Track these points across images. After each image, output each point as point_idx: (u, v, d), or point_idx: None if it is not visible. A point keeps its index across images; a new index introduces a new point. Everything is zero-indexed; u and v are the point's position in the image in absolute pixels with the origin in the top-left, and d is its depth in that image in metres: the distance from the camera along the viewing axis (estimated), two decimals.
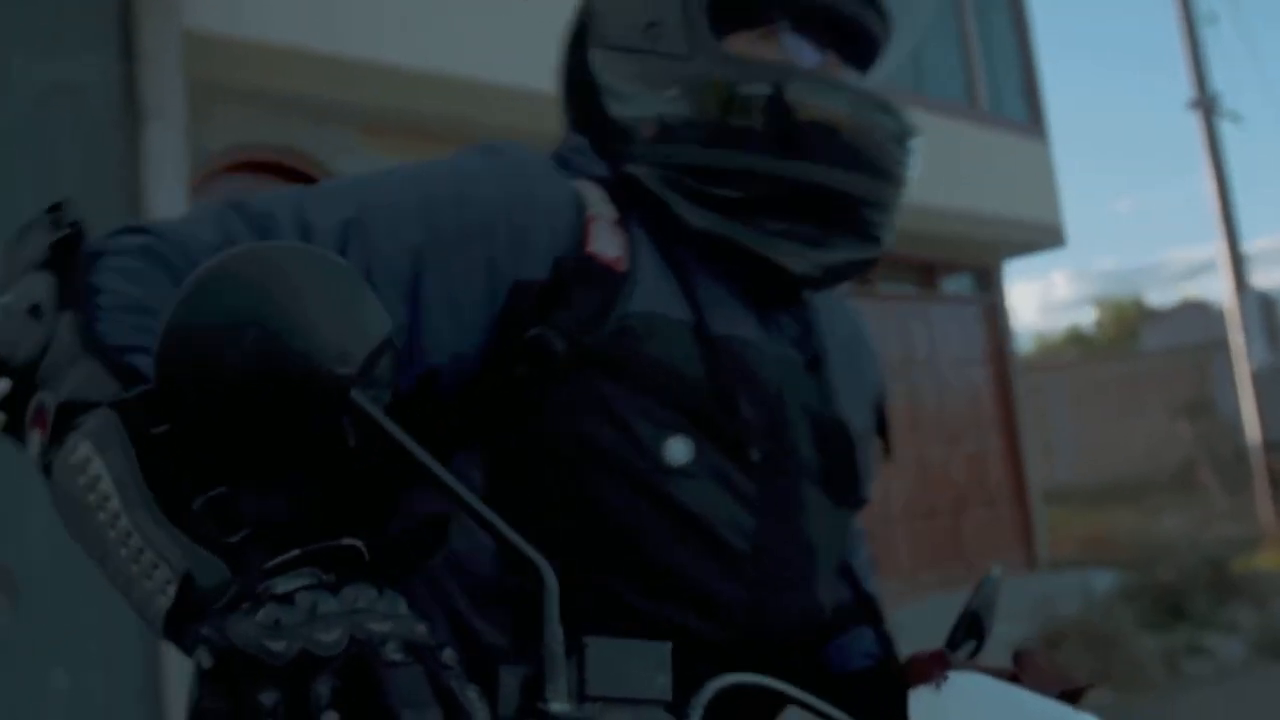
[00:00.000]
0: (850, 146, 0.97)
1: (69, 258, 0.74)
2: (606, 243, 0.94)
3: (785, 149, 0.95)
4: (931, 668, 0.86)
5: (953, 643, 1.02)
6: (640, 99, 1.00)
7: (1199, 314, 36.38)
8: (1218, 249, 11.18)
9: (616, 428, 0.87)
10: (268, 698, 0.55)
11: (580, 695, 0.66)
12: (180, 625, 0.59)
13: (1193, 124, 11.27)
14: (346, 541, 0.62)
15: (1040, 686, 0.87)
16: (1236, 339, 10.94)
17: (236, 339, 0.60)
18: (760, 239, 0.96)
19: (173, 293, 0.64)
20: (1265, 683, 6.08)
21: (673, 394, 0.90)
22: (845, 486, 1.02)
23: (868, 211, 0.99)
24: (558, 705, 0.64)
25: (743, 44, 0.99)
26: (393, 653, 0.58)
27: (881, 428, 1.12)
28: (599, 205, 0.97)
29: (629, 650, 0.69)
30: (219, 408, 0.60)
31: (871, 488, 1.09)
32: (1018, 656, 0.91)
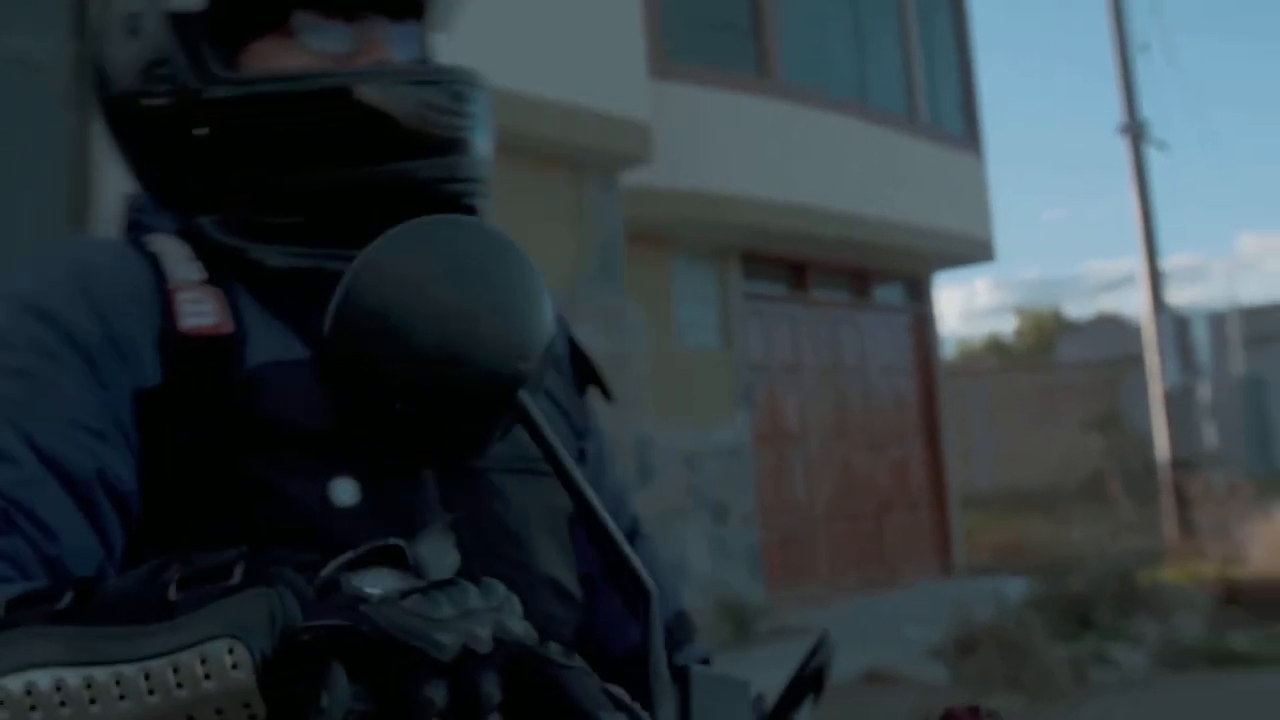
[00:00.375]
0: (408, 132, 0.87)
1: None
2: (198, 312, 0.86)
3: (338, 158, 0.87)
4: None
5: (790, 698, 1.00)
6: (167, 147, 0.91)
7: (1114, 328, 37.39)
8: (1139, 270, 11.54)
9: (277, 499, 0.81)
10: (436, 693, 0.51)
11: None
12: (273, 674, 0.52)
13: (1120, 147, 11.62)
14: (392, 541, 0.57)
15: None
16: (1152, 359, 11.30)
17: (433, 303, 0.57)
18: (343, 259, 0.79)
19: None
20: (1166, 693, 6.35)
21: (316, 439, 0.82)
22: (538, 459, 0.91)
23: (452, 187, 0.90)
24: None
25: (261, 56, 0.90)
26: (557, 654, 0.56)
27: (585, 379, 1.04)
28: (182, 267, 0.88)
29: (725, 683, 0.72)
30: (396, 365, 0.58)
31: (593, 446, 1.04)
32: (946, 715, 0.90)
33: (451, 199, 0.89)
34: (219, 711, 0.51)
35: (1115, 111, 11.84)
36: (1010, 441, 23.35)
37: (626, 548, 0.64)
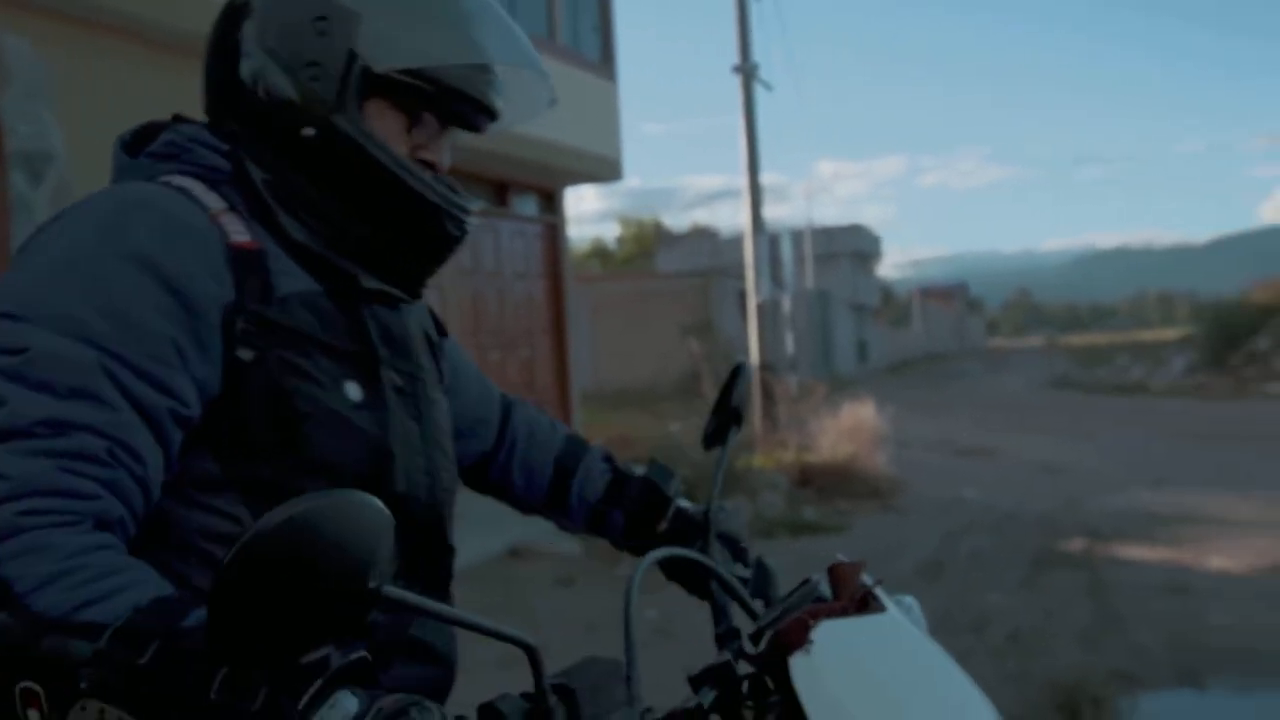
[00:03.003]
0: (433, 236, 1.17)
1: None
2: (236, 230, 1.07)
3: (381, 218, 1.14)
4: (799, 632, 0.95)
5: (715, 433, 1.40)
6: (280, 115, 1.10)
7: (707, 241, 40.30)
8: (743, 194, 12.79)
9: (310, 380, 1.06)
10: None
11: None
12: None
13: (734, 83, 12.78)
14: (358, 655, 0.75)
15: (847, 593, 1.03)
16: (750, 276, 12.65)
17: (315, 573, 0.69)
18: (344, 263, 1.13)
19: (73, 544, 0.82)
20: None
21: (333, 351, 1.09)
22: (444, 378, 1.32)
23: (417, 269, 1.20)
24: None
25: (376, 110, 1.12)
26: None
27: (441, 330, 1.40)
28: (208, 198, 1.07)
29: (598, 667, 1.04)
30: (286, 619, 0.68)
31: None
32: (831, 569, 1.07)
33: (416, 283, 1.21)
34: None
35: (708, 42, 12.86)
36: (612, 343, 24.70)
37: (489, 627, 0.80)
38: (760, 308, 12.64)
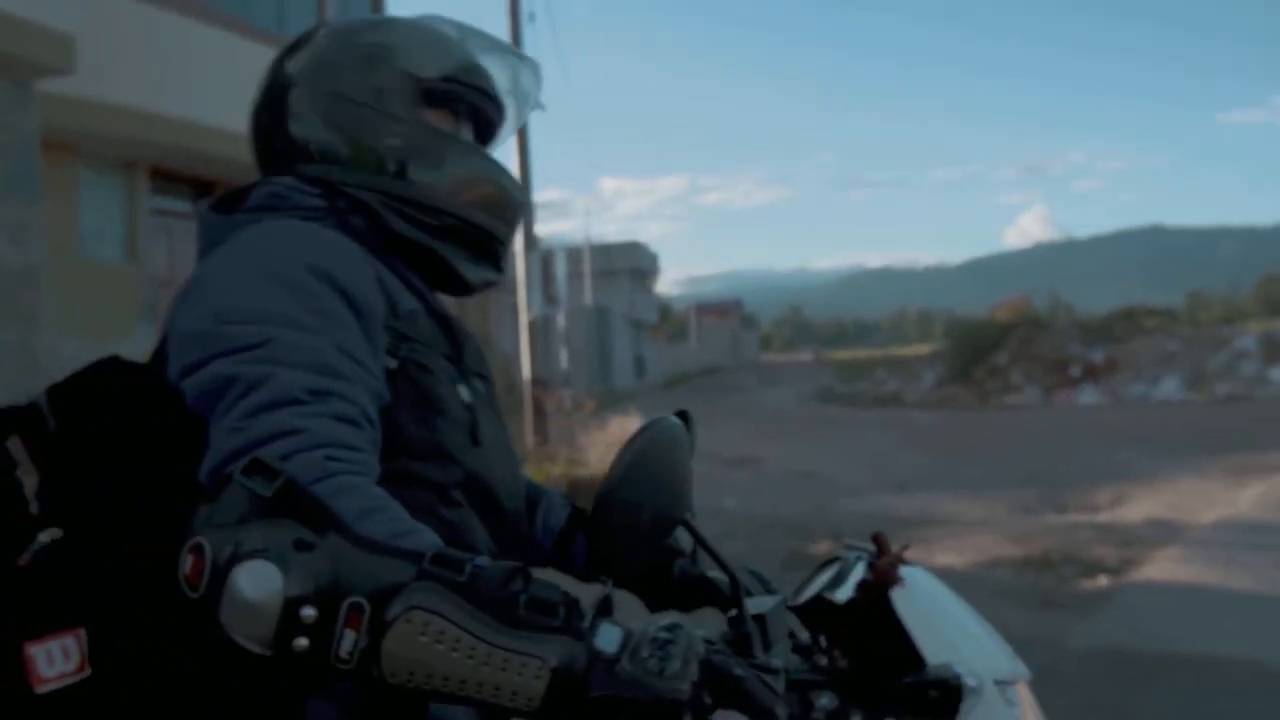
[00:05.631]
0: (504, 206, 1.35)
1: (289, 499, 0.85)
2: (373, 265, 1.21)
3: (461, 200, 1.30)
4: (892, 573, 1.20)
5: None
6: (366, 142, 1.28)
7: None
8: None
9: (439, 381, 1.20)
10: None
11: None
12: (561, 692, 0.82)
13: None
14: (606, 592, 0.92)
15: (889, 553, 1.23)
16: (523, 293, 12.81)
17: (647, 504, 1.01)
18: (447, 250, 1.30)
19: (372, 490, 0.95)
20: None
21: (446, 359, 1.23)
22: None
23: (501, 250, 1.37)
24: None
25: (433, 118, 1.32)
26: (738, 666, 0.89)
27: None
28: None
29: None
30: (636, 546, 1.00)
31: None
32: (875, 536, 1.25)
33: (498, 257, 1.37)
34: (513, 696, 0.82)
35: None
36: None
37: (724, 561, 1.12)
38: (532, 324, 12.82)
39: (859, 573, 1.24)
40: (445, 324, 1.27)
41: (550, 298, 14.22)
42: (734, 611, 1.10)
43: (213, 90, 8.83)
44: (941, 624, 1.18)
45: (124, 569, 1.00)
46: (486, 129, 1.42)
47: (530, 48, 13.15)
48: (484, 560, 0.87)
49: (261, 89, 1.33)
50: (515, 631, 0.83)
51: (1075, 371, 30.28)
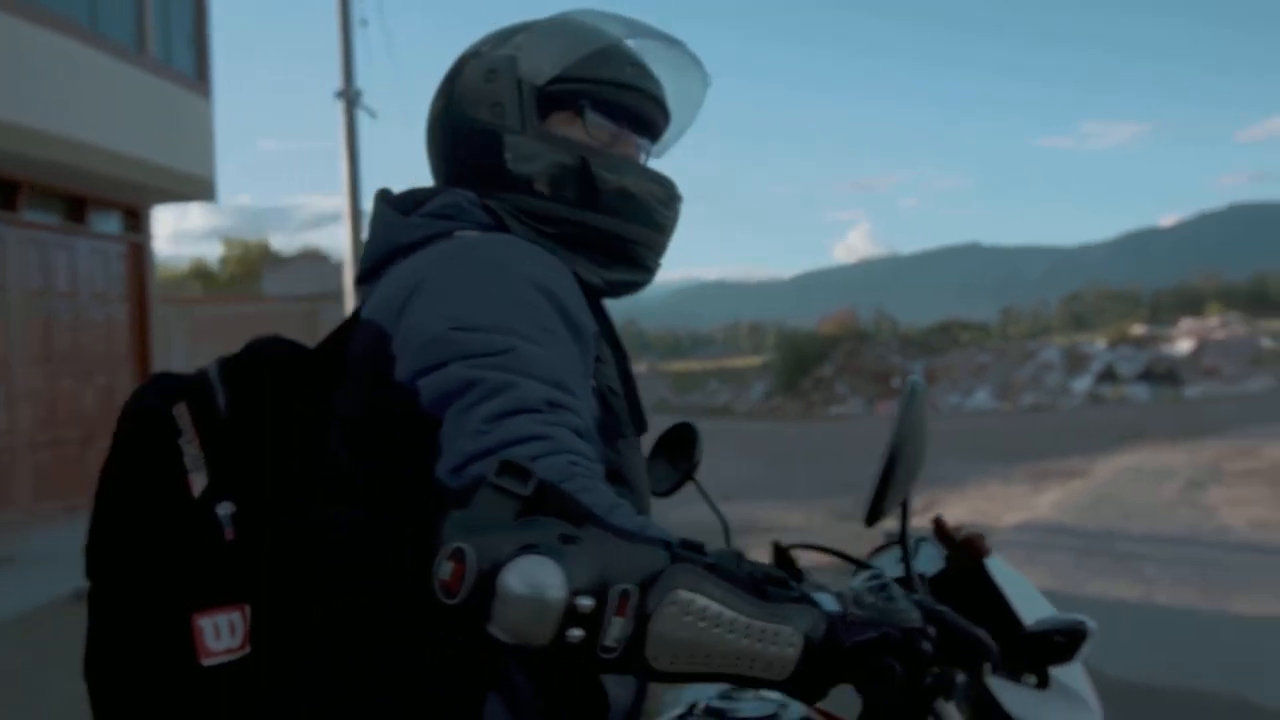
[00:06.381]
0: (634, 205, 1.29)
1: (544, 497, 0.87)
2: None
3: (585, 204, 1.27)
4: (983, 542, 1.33)
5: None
6: (491, 161, 1.28)
7: (318, 263, 39.06)
8: (345, 228, 12.73)
9: (622, 405, 1.23)
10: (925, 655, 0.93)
11: None
12: (811, 655, 0.87)
13: (339, 110, 12.70)
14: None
15: (957, 532, 1.35)
16: (350, 303, 12.59)
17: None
18: (581, 259, 1.27)
19: (610, 491, 0.98)
20: None
21: (624, 411, 1.24)
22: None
23: (641, 250, 1.31)
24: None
25: (558, 124, 1.29)
26: (945, 610, 0.97)
27: None
28: None
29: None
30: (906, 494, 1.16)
31: None
32: (937, 522, 1.38)
33: (634, 258, 1.31)
34: (767, 666, 0.87)
35: (332, 61, 12.80)
36: None
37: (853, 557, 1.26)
38: None
39: (930, 550, 1.37)
40: (615, 343, 1.28)
41: None
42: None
43: (17, 88, 8.38)
44: (1021, 589, 1.30)
45: (297, 551, 1.03)
46: (628, 117, 1.34)
47: (362, 55, 12.95)
48: (711, 546, 0.91)
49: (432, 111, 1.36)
50: (766, 605, 0.87)
51: (897, 383, 31.52)
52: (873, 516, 1.16)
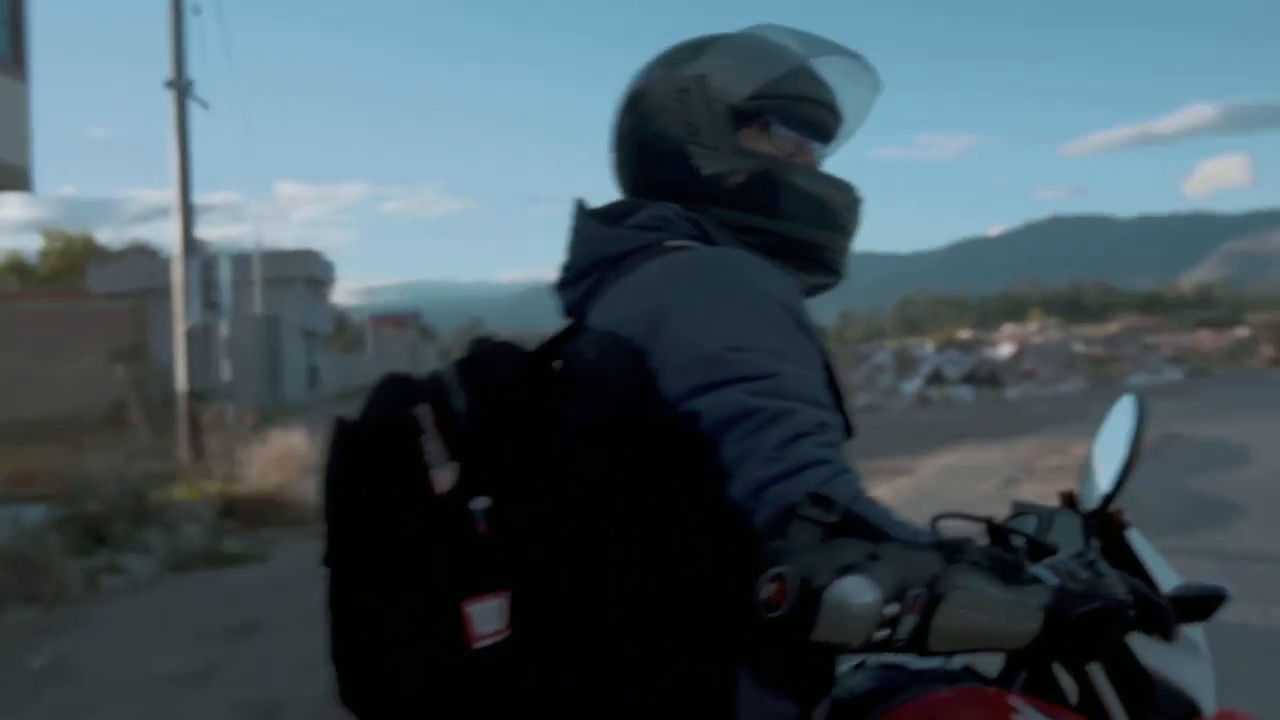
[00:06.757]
0: (823, 212, 1.38)
1: (846, 521, 1.01)
2: None
3: (773, 213, 1.35)
4: (1122, 516, 1.43)
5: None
6: (686, 176, 1.35)
7: (146, 259, 37.60)
8: (175, 222, 12.25)
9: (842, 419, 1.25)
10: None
11: None
12: (1048, 625, 1.03)
13: (168, 100, 12.21)
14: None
15: (1085, 516, 1.46)
16: (179, 298, 12.17)
17: None
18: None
19: (876, 500, 1.09)
20: (169, 592, 7.37)
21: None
22: None
23: (830, 254, 1.40)
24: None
25: (747, 138, 1.37)
26: (1138, 585, 1.14)
27: None
28: None
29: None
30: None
31: None
32: (1068, 495, 1.53)
33: (825, 263, 1.40)
34: (1014, 639, 1.04)
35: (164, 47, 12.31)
36: (30, 370, 22.44)
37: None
38: (190, 332, 12.20)
39: (1065, 521, 1.48)
40: (823, 356, 1.30)
41: (211, 305, 13.52)
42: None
43: None
44: (1155, 558, 1.41)
45: (554, 541, 1.12)
46: (810, 127, 1.42)
47: (195, 45, 12.48)
48: (965, 541, 1.06)
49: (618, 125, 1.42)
50: (1012, 588, 1.02)
51: None
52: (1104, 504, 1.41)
